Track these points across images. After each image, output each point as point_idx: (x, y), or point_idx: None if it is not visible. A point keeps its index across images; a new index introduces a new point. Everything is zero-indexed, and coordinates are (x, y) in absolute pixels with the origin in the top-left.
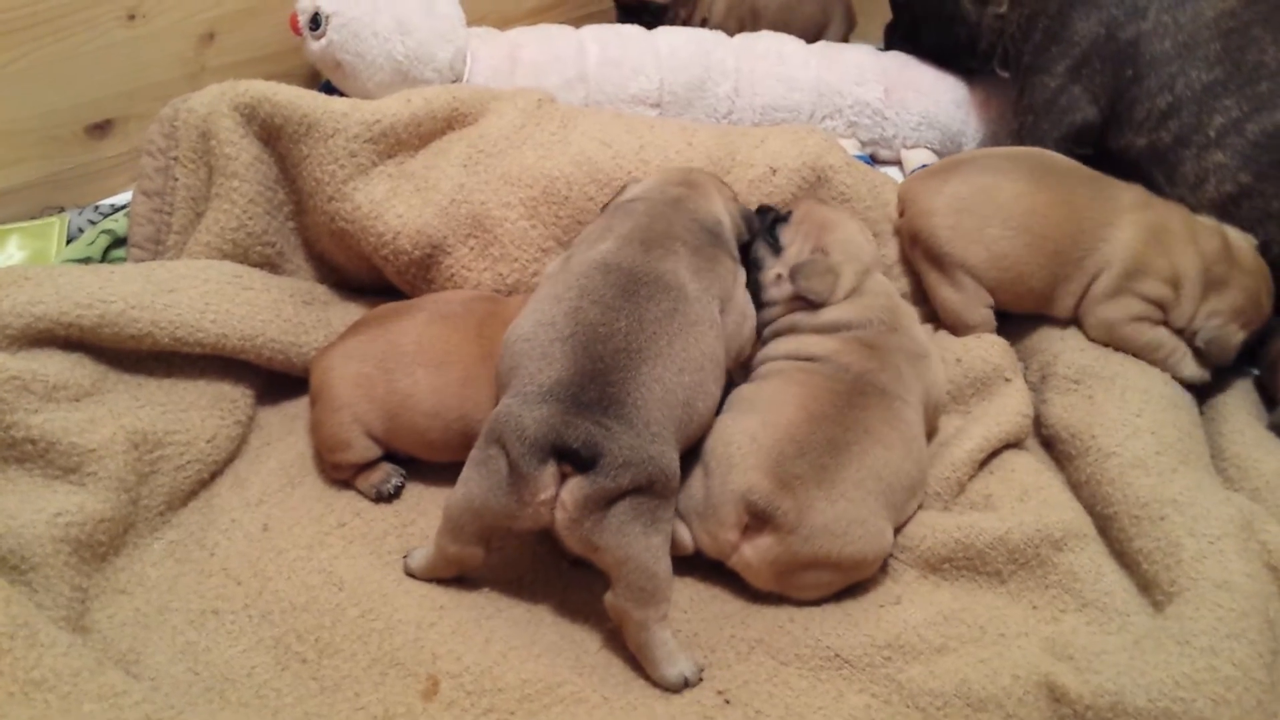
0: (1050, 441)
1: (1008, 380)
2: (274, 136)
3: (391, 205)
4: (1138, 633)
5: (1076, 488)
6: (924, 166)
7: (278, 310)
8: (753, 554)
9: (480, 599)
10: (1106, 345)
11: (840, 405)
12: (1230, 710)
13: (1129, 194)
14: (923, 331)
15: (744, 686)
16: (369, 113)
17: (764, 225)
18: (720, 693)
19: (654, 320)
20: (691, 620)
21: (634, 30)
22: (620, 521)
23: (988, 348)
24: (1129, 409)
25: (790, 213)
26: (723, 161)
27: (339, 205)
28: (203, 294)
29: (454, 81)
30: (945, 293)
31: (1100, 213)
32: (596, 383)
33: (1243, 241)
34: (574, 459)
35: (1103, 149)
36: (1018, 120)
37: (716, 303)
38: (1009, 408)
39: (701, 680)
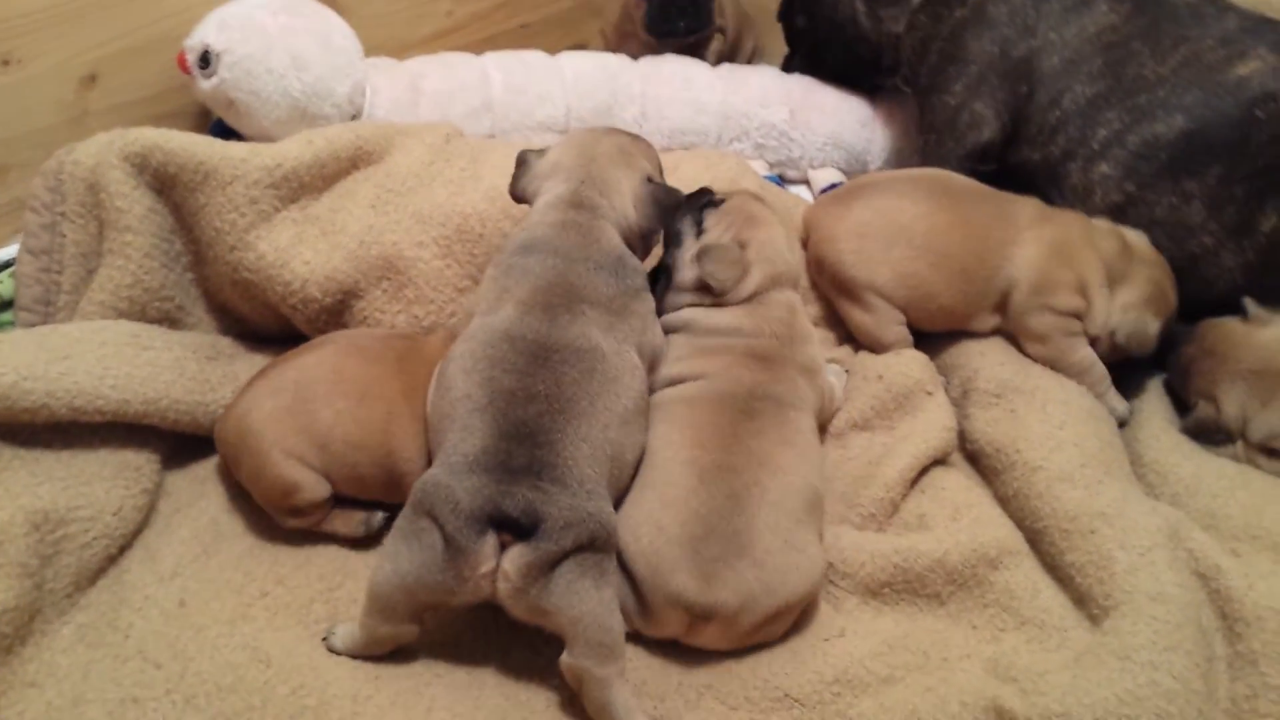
0: (975, 456)
1: (929, 394)
2: (168, 186)
3: (297, 252)
4: (1077, 648)
5: (1004, 502)
6: (832, 186)
7: (181, 369)
8: (705, 640)
9: (417, 665)
10: (1044, 364)
11: (726, 440)
12: None
13: (1027, 209)
14: (819, 351)
15: None
16: (269, 157)
17: (695, 205)
18: None
19: (572, 382)
20: (637, 668)
21: (538, 57)
22: (568, 581)
23: (908, 363)
24: (1051, 422)
25: (724, 200)
26: None
27: (242, 255)
28: (100, 358)
29: (354, 116)
30: (857, 316)
31: (1001, 231)
32: (524, 447)
33: (1136, 236)
34: (513, 527)
35: (1003, 164)
36: (922, 139)
37: (634, 349)
38: (934, 422)
39: None
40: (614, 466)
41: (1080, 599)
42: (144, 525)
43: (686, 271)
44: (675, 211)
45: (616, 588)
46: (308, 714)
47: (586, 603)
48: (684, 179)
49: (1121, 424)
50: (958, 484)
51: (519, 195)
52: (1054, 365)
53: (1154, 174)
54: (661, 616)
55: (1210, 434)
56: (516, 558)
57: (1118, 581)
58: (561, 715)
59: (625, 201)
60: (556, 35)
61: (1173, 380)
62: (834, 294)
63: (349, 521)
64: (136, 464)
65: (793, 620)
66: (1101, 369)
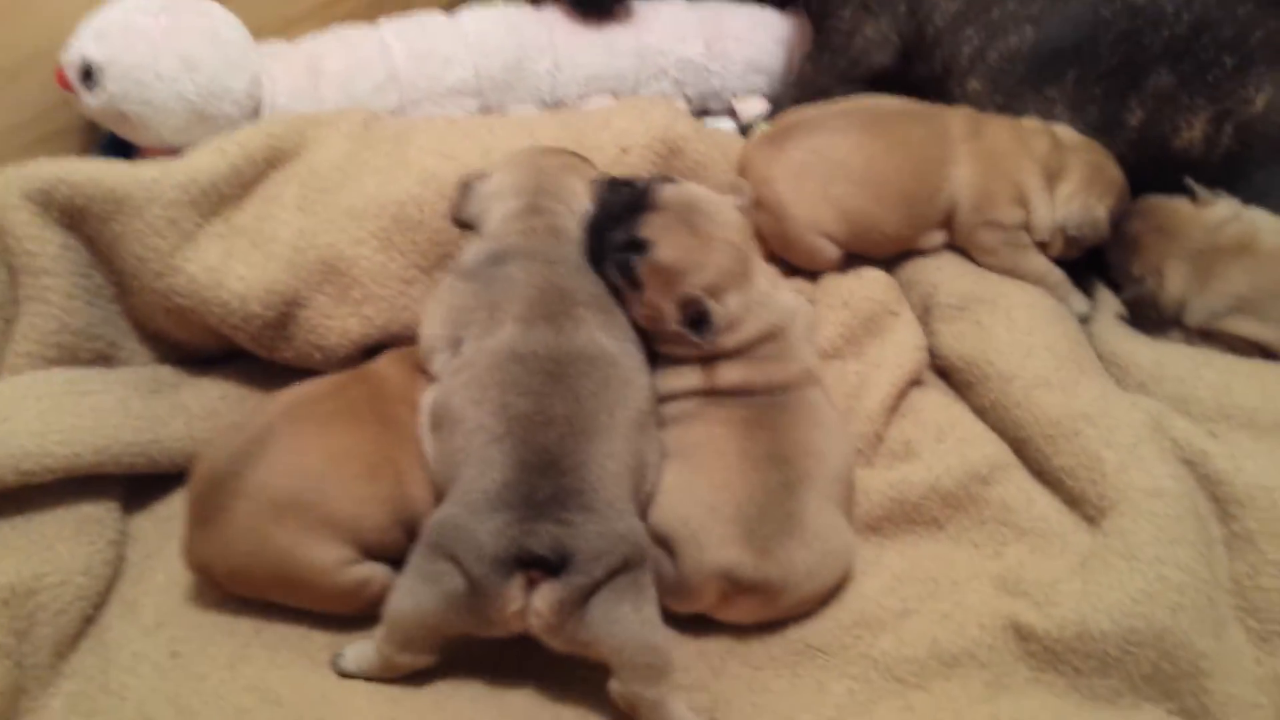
0: (946, 371)
1: (895, 314)
2: (78, 220)
3: (230, 268)
4: (1080, 552)
5: (982, 413)
6: (760, 115)
7: (126, 409)
8: (735, 615)
9: (435, 679)
10: (1002, 274)
11: (771, 432)
12: (1187, 614)
13: (957, 123)
14: (784, 288)
15: (727, 705)
16: (182, 173)
17: (617, 248)
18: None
19: (590, 396)
20: None
21: (435, 19)
22: (605, 610)
23: (871, 285)
24: (1019, 329)
25: (647, 188)
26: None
27: (171, 281)
28: (39, 414)
29: (254, 110)
30: (795, 255)
31: (937, 150)
32: (548, 477)
33: (1061, 128)
34: (541, 564)
35: (905, 80)
36: (813, 59)
37: (632, 343)
38: (905, 344)
39: None
40: (637, 476)
41: (1074, 501)
42: (116, 578)
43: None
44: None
45: (655, 600)
46: None
47: (628, 629)
48: (617, 133)
49: (1084, 321)
50: (937, 404)
51: (463, 220)
52: (1009, 275)
53: (1017, 84)
54: (700, 590)
55: (1146, 309)
56: (548, 595)
57: (1110, 481)
58: (589, 712)
59: (583, 204)
60: None
61: (1113, 257)
62: (773, 232)
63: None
64: (96, 516)
65: (826, 600)
66: (1059, 273)
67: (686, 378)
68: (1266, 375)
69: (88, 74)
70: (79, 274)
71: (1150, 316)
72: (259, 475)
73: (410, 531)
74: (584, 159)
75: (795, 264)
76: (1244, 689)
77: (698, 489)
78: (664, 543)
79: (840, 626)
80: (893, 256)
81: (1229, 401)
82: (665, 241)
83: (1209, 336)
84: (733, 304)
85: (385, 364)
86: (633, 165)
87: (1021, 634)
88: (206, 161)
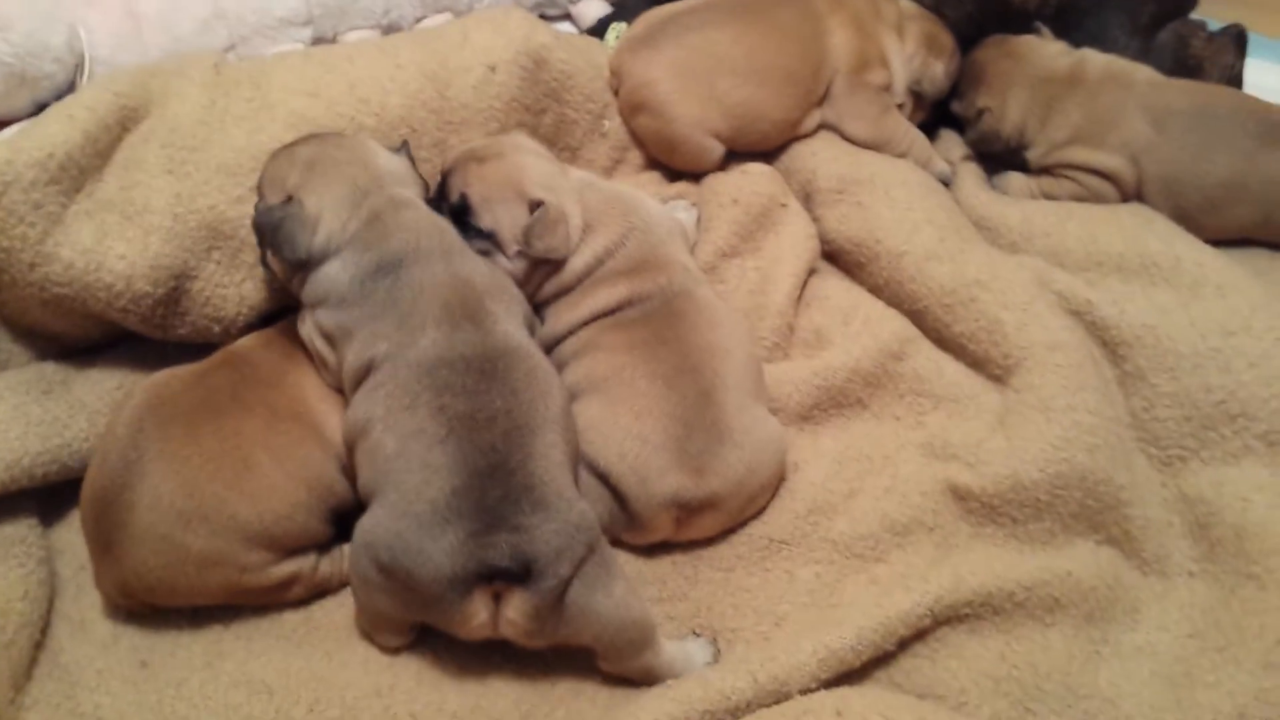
0: (835, 254)
1: (784, 206)
2: None
3: (108, 248)
4: (993, 410)
5: (876, 291)
6: (603, 19)
7: (25, 416)
8: (696, 532)
9: (428, 640)
10: (871, 145)
11: (672, 345)
12: (1102, 453)
13: None
14: (645, 196)
15: (709, 610)
16: (35, 149)
17: (454, 218)
18: (695, 633)
19: (524, 388)
20: (628, 565)
21: None
22: (582, 603)
23: (757, 180)
24: (899, 206)
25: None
26: (438, 75)
27: (45, 270)
28: None
29: (75, 64)
30: (679, 157)
31: (810, 26)
32: (496, 477)
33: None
34: (504, 575)
35: None
36: None
37: (528, 333)
38: (798, 234)
39: (719, 651)
40: (573, 460)
41: (978, 364)
42: (54, 596)
43: (514, 268)
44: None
45: (620, 573)
46: None
47: (606, 614)
48: (480, 50)
49: (946, 184)
50: (836, 288)
51: (303, 260)
52: (880, 145)
53: None
54: (654, 522)
55: (990, 142)
56: (520, 605)
57: (1012, 340)
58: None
59: (406, 179)
60: None
61: (961, 91)
62: (654, 134)
63: (338, 562)
64: (19, 536)
65: (774, 490)
66: (922, 136)
67: (575, 309)
68: (1124, 219)
69: None
70: None
71: (994, 150)
72: (149, 486)
73: (324, 512)
74: (346, 135)
75: (678, 166)
76: (1157, 512)
77: (622, 420)
78: (604, 479)
79: (796, 516)
80: (774, 148)
81: (1096, 249)
82: (473, 185)
83: (1049, 172)
84: (564, 198)
85: (253, 345)
86: (504, 84)
87: (959, 494)
88: (58, 132)
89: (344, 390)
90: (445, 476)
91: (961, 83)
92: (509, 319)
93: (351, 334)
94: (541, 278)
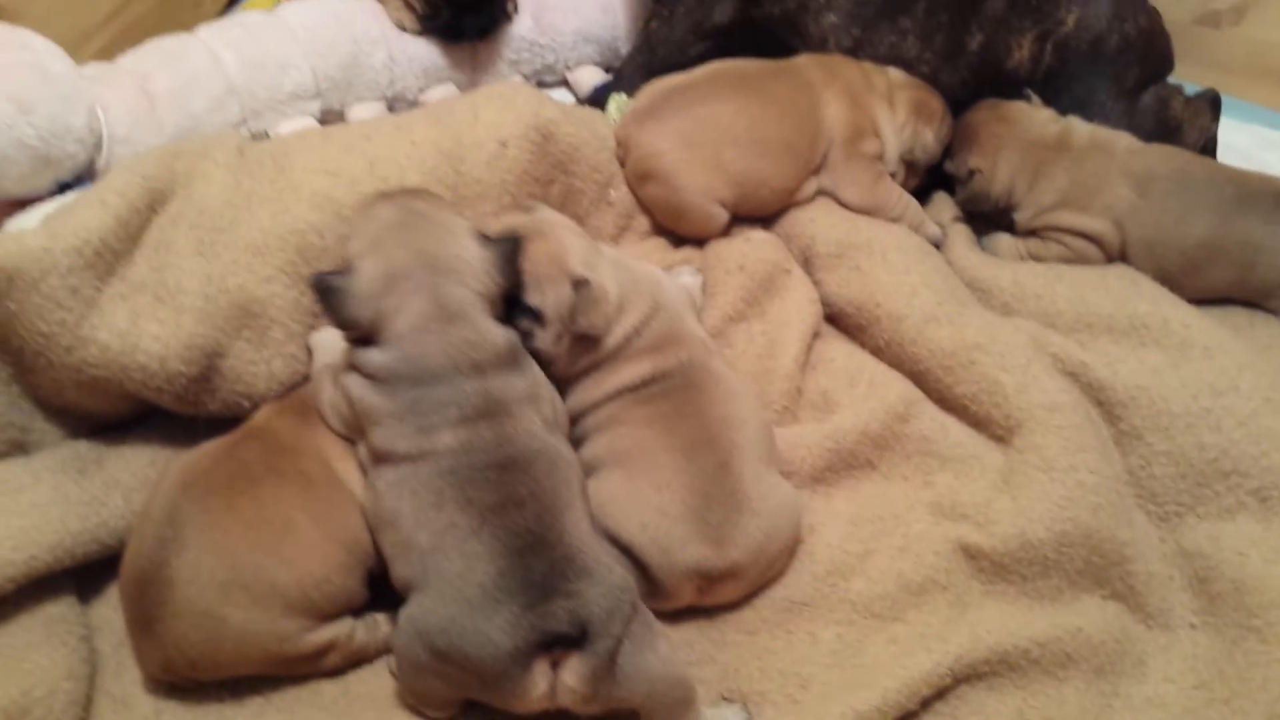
0: (836, 317)
1: (787, 271)
2: None
3: (143, 329)
4: (998, 469)
5: (877, 353)
6: (599, 86)
7: (64, 496)
8: (719, 598)
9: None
10: (866, 211)
11: (690, 419)
12: (1105, 511)
13: (810, 70)
14: (685, 298)
15: (736, 673)
16: (71, 236)
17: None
18: (725, 697)
19: (545, 477)
20: None
21: (259, 19)
22: (634, 662)
23: (761, 247)
24: (896, 270)
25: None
26: (453, 152)
27: (83, 353)
28: None
29: (96, 144)
30: (686, 224)
31: (805, 98)
32: (537, 554)
33: (890, 69)
34: (562, 641)
35: (745, 18)
36: (660, 14)
37: (557, 431)
38: (802, 299)
39: (751, 716)
40: (594, 526)
41: (980, 424)
42: (95, 673)
43: (554, 349)
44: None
45: (661, 631)
46: None
47: (656, 673)
48: (491, 126)
49: (937, 246)
50: (840, 351)
51: (352, 324)
52: (873, 211)
53: (873, 17)
54: (678, 591)
55: (979, 202)
56: (579, 668)
57: (1013, 402)
58: None
59: (482, 277)
60: None
61: (953, 152)
62: (661, 203)
63: (374, 630)
64: (59, 614)
65: (792, 553)
66: (914, 202)
67: (600, 385)
68: (1111, 281)
69: None
70: None
71: (983, 209)
72: (187, 560)
73: (362, 573)
74: (430, 192)
75: (684, 232)
76: (1158, 566)
77: (643, 493)
78: (627, 551)
79: (815, 578)
80: (773, 214)
81: (1086, 311)
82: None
83: (1036, 234)
84: (604, 276)
85: (269, 418)
86: (515, 159)
87: (970, 553)
88: (92, 218)
89: (352, 438)
90: (488, 561)
91: (954, 143)
92: (531, 419)
93: (373, 420)
94: (577, 354)
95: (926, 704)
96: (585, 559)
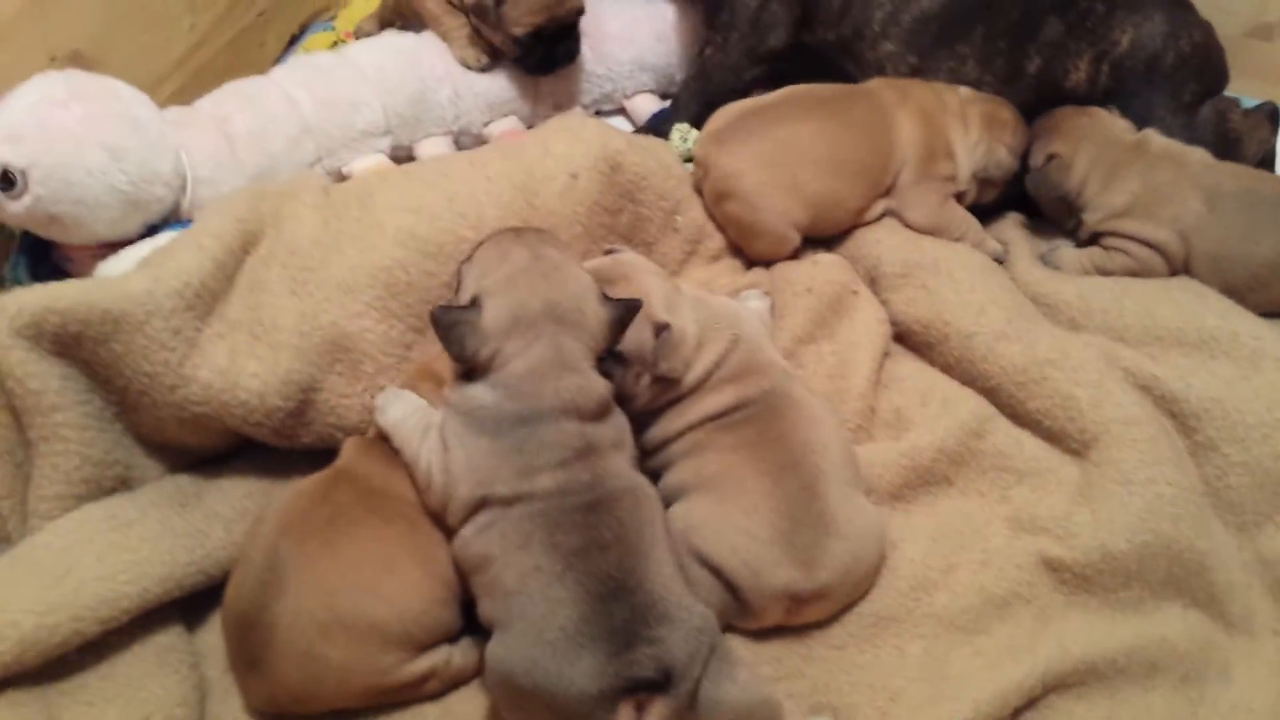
0: (904, 336)
1: (855, 293)
2: (72, 346)
3: (242, 367)
4: (1075, 482)
5: (947, 370)
6: (656, 114)
7: (171, 530)
8: (807, 618)
9: None
10: (930, 231)
11: (775, 444)
12: (1185, 521)
13: (886, 92)
14: (734, 302)
15: (825, 687)
16: (172, 279)
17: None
18: (815, 712)
19: (630, 518)
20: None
21: (329, 59)
22: (714, 696)
23: (829, 269)
24: (963, 288)
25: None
26: (527, 185)
27: (186, 391)
28: (98, 557)
29: (181, 187)
30: (761, 244)
31: (879, 120)
32: (619, 600)
33: (959, 87)
34: (647, 686)
35: (799, 44)
36: (715, 41)
37: (640, 472)
38: (871, 319)
39: None
40: (677, 560)
41: (1054, 438)
42: (204, 698)
43: (636, 388)
44: (632, 317)
45: (739, 660)
46: None
47: (736, 699)
48: (561, 159)
49: (1000, 262)
50: (911, 370)
51: (468, 359)
52: (937, 232)
53: (930, 44)
54: (767, 611)
55: (1051, 189)
56: (662, 711)
57: (1088, 416)
58: None
59: (598, 335)
60: (291, 12)
61: (1036, 135)
62: (738, 223)
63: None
64: (168, 644)
65: (878, 572)
66: (975, 221)
67: (684, 415)
68: (1177, 294)
69: (8, 180)
70: (82, 402)
71: (1050, 200)
72: (288, 604)
73: (458, 605)
74: (551, 235)
75: (756, 252)
76: (1237, 575)
77: (732, 517)
78: (717, 573)
79: (900, 594)
80: (842, 234)
81: (1154, 325)
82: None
83: (1099, 243)
84: (684, 318)
85: (355, 459)
86: (586, 189)
87: (1051, 566)
88: (191, 261)
89: (433, 509)
90: (571, 606)
91: (1035, 133)
92: (619, 457)
93: (472, 465)
94: (657, 392)
95: (1017, 713)
96: (666, 604)
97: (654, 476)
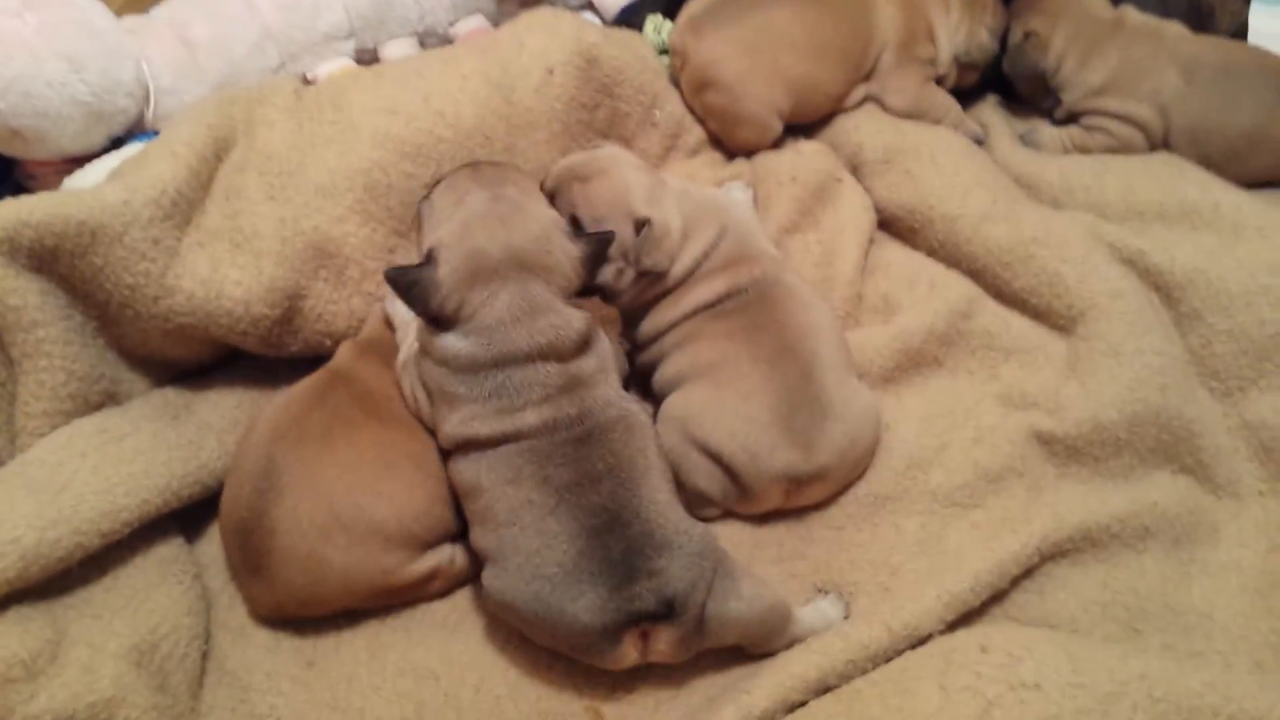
0: (889, 221)
1: (839, 180)
2: (49, 260)
3: (225, 275)
4: (1062, 358)
5: (932, 254)
6: (625, 7)
7: (164, 440)
8: (805, 501)
9: None
10: (910, 115)
11: (769, 330)
12: (1173, 390)
13: None
14: (721, 191)
15: (827, 566)
16: (148, 187)
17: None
18: (818, 588)
19: (623, 446)
20: (740, 544)
21: None
22: (719, 614)
23: (813, 158)
24: (946, 171)
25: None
26: (502, 82)
27: (169, 302)
28: (95, 470)
29: (144, 96)
30: (743, 132)
31: (859, 4)
32: (615, 533)
33: None
34: (650, 617)
35: None
36: None
37: (630, 396)
38: (855, 206)
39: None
40: (671, 483)
41: (1040, 316)
42: (209, 608)
43: (619, 283)
44: (605, 252)
45: (744, 572)
46: (505, 702)
47: (742, 614)
48: (536, 54)
49: (980, 144)
50: (897, 256)
51: (433, 317)
52: (917, 115)
53: None
54: (766, 495)
55: (1028, 66)
56: (668, 637)
57: (1075, 292)
58: None
59: (569, 274)
60: None
61: (1015, 11)
62: (719, 110)
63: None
64: (170, 555)
65: (874, 453)
66: (955, 103)
67: (676, 306)
68: (1158, 168)
69: None
70: (64, 317)
71: (1026, 76)
72: (286, 508)
73: (455, 502)
74: (517, 169)
75: (738, 141)
76: (1223, 440)
77: (730, 403)
78: (716, 458)
79: (895, 474)
80: (822, 120)
81: (1136, 200)
82: (581, 206)
83: (1077, 122)
84: (666, 211)
85: (350, 362)
86: (560, 85)
87: (1043, 439)
88: (165, 169)
89: (426, 423)
90: (567, 541)
91: (1015, 10)
92: (606, 384)
93: (453, 406)
94: (645, 286)
95: (1015, 582)
96: (664, 532)
97: (648, 372)
